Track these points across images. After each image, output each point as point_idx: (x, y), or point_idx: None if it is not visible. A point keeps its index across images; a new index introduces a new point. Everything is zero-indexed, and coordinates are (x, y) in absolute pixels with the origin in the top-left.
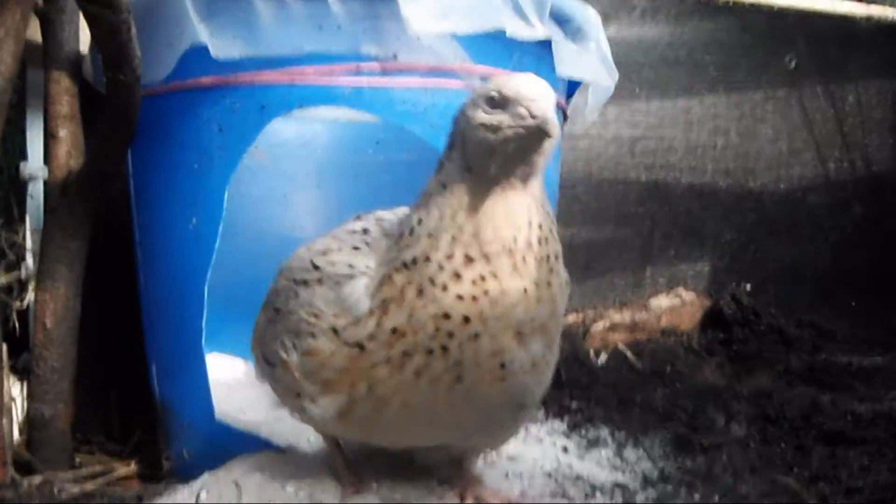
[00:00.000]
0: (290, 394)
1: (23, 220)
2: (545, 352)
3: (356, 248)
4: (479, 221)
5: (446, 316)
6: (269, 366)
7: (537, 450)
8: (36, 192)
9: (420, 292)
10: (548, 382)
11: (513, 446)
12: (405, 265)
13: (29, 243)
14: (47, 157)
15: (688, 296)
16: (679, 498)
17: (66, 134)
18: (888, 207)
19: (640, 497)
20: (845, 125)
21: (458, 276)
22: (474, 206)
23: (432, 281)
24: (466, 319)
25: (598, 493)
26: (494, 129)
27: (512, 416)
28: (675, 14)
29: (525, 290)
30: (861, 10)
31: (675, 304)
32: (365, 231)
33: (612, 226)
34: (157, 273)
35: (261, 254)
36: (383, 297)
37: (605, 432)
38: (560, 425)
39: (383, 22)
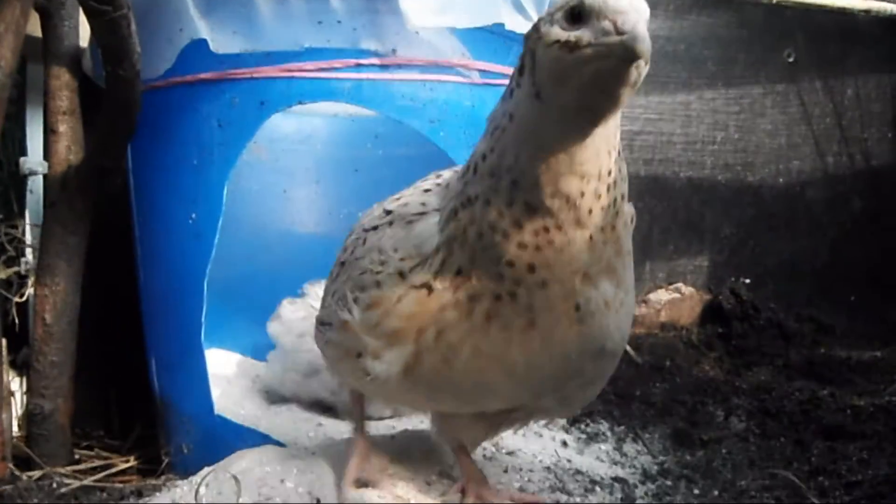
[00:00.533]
0: (348, 356)
1: (22, 215)
2: (615, 291)
3: (428, 191)
4: (543, 169)
5: (510, 264)
6: (323, 326)
7: (537, 444)
8: (36, 187)
9: (480, 235)
10: (626, 327)
11: (512, 441)
12: (469, 200)
13: (28, 238)
14: (47, 153)
15: (687, 290)
16: (678, 492)
17: (66, 129)
18: (887, 201)
19: (639, 491)
20: (844, 119)
21: (518, 224)
22: (540, 147)
23: (492, 227)
24: (532, 268)
25: (597, 488)
26: (571, 47)
27: (593, 364)
28: (674, 9)
29: (591, 237)
30: (860, 4)
31: (674, 299)
32: (438, 175)
33: None
34: (157, 268)
35: (260, 248)
36: (448, 234)
37: (604, 427)
38: (559, 419)
39: (382, 17)
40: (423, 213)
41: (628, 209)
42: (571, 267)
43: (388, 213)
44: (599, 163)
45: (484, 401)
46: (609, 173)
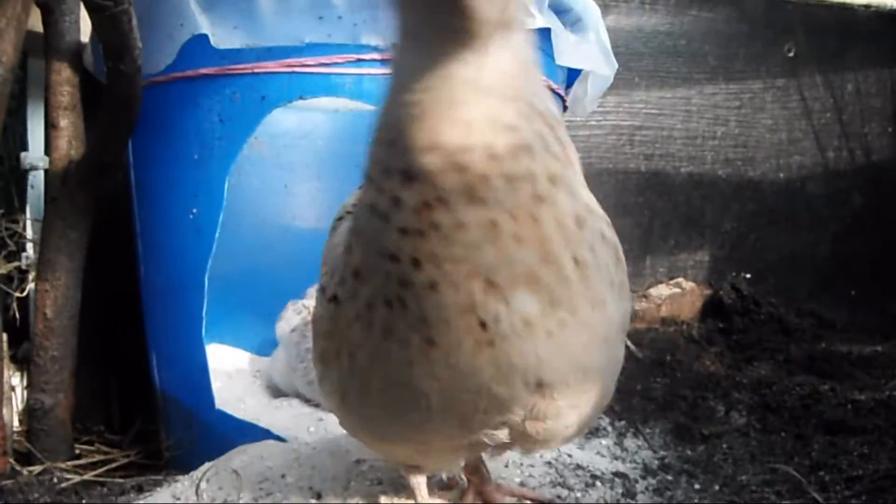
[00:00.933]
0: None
1: (23, 210)
2: (545, 309)
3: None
4: (414, 114)
5: (393, 257)
6: None
7: None
8: (37, 182)
9: (368, 223)
10: (577, 355)
11: None
12: (360, 185)
13: (29, 233)
14: (48, 148)
15: (688, 285)
16: (679, 487)
17: (67, 124)
18: (887, 196)
19: (640, 486)
20: (844, 114)
21: (398, 202)
22: (410, 88)
23: (373, 209)
24: (416, 262)
25: (598, 483)
26: None
27: (533, 398)
28: (675, 3)
29: (493, 224)
30: None
31: (675, 294)
32: None
33: (612, 216)
34: (158, 263)
35: (261, 244)
36: (350, 228)
37: (605, 421)
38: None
39: (383, 12)
40: (345, 216)
41: (573, 205)
42: (466, 266)
43: (338, 219)
44: (490, 110)
45: (422, 438)
46: (513, 127)
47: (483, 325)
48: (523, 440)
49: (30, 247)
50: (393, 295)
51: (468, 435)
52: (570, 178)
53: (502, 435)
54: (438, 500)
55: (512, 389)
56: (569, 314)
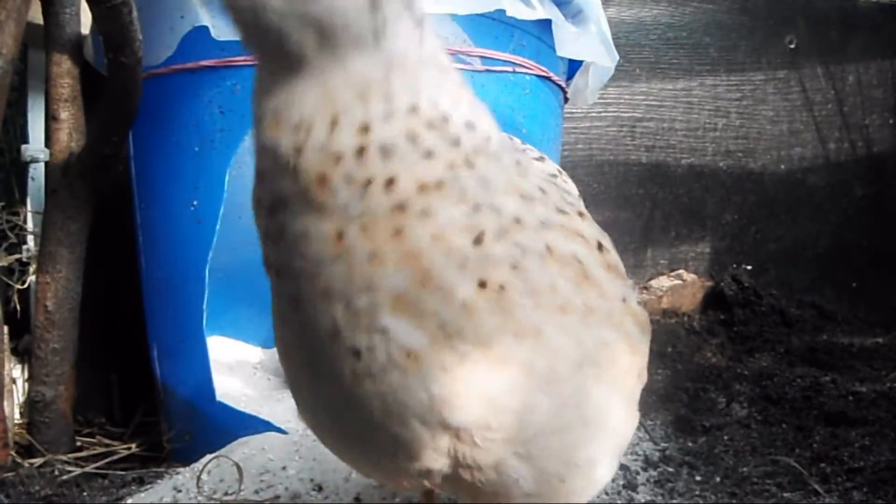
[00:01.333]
0: None
1: (24, 203)
2: (438, 340)
3: None
4: (258, 111)
5: (266, 263)
6: None
7: None
8: (37, 174)
9: None
10: (504, 391)
11: None
12: None
13: (30, 225)
14: (48, 140)
15: (689, 277)
16: (680, 478)
17: (68, 116)
18: (888, 187)
19: (641, 478)
20: (846, 105)
21: (259, 202)
22: (256, 87)
23: (253, 205)
24: (277, 272)
25: None
26: None
27: (445, 441)
28: None
29: (338, 237)
30: None
31: (675, 286)
32: None
33: (613, 207)
34: (158, 255)
35: None
36: None
37: None
38: None
39: None
40: None
41: (470, 218)
42: (320, 283)
43: None
44: (332, 107)
45: (362, 458)
46: (366, 129)
47: (357, 353)
48: (476, 494)
49: (30, 239)
50: (277, 307)
51: (394, 479)
52: (472, 185)
53: (440, 482)
54: None
55: (410, 431)
56: (473, 346)
